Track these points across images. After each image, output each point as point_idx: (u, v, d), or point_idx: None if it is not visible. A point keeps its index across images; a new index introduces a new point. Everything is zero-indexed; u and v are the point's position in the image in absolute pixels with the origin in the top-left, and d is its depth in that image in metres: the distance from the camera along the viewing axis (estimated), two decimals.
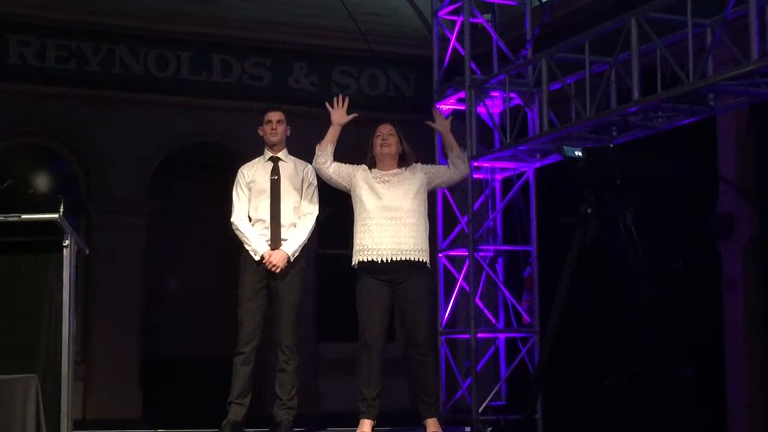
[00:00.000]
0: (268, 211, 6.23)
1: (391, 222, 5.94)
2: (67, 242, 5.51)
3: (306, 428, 6.53)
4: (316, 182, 6.37)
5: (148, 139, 10.66)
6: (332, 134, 6.14)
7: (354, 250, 6.02)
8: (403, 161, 6.12)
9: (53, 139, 10.59)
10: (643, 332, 5.82)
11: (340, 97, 6.26)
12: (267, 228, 6.22)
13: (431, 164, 6.35)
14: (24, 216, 5.49)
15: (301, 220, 6.29)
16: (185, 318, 11.44)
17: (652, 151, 7.97)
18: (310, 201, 6.34)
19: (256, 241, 6.19)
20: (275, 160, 6.35)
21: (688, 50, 6.59)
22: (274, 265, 6.13)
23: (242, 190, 6.30)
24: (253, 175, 6.32)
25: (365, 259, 5.94)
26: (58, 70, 10.33)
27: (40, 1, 10.15)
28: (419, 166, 6.18)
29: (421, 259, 5.97)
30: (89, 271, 10.24)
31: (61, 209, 5.44)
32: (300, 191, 6.31)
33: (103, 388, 10.21)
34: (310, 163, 6.35)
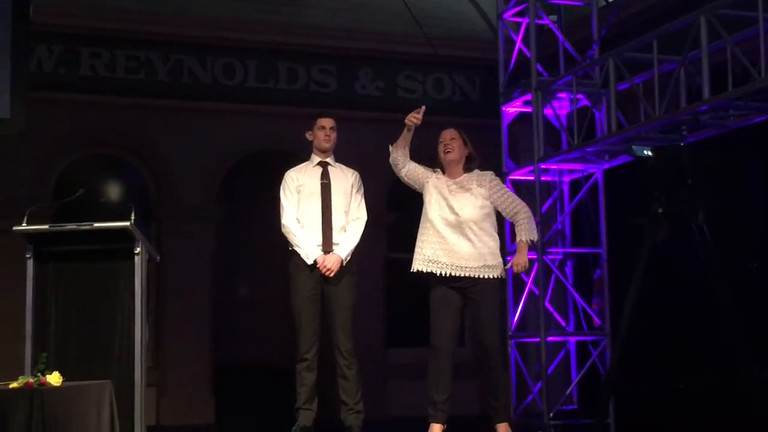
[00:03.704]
0: (320, 214, 6.22)
1: (452, 233, 5.88)
2: (138, 249, 5.57)
3: None
4: (362, 189, 6.39)
5: (216, 147, 10.76)
6: (405, 137, 6.02)
7: (414, 257, 5.99)
8: (469, 165, 6.06)
9: (123, 148, 10.74)
10: (718, 334, 5.72)
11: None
12: (318, 232, 6.21)
13: (504, 188, 6.11)
14: (96, 224, 5.56)
15: (351, 224, 6.29)
16: (256, 324, 11.53)
17: (724, 149, 7.82)
18: (359, 206, 6.35)
19: (308, 245, 6.17)
20: (324, 165, 6.36)
21: (760, 46, 6.47)
22: (328, 269, 6.12)
23: (291, 193, 6.29)
24: (302, 179, 6.31)
25: (423, 270, 5.91)
26: (127, 81, 10.48)
27: (110, 14, 10.30)
28: (489, 178, 6.04)
29: (482, 276, 5.89)
30: (160, 277, 10.36)
31: (132, 217, 5.50)
32: (349, 196, 6.31)
33: (175, 393, 10.31)
34: (358, 171, 6.38)
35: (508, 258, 6.24)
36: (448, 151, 6.01)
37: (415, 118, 5.86)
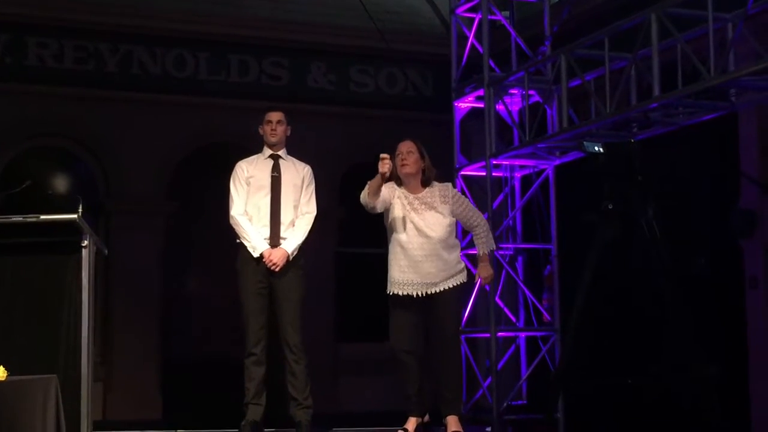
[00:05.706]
0: (268, 208, 6.17)
1: (425, 255, 5.88)
2: (85, 243, 5.49)
3: (326, 428, 6.50)
4: (314, 183, 6.35)
5: (167, 140, 10.66)
6: (380, 183, 5.80)
7: (388, 278, 5.98)
8: (426, 177, 6.00)
9: (71, 140, 10.60)
10: (665, 330, 5.76)
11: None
12: (266, 225, 6.16)
13: (465, 201, 6.09)
14: (43, 216, 5.48)
15: (299, 219, 6.24)
16: (205, 319, 11.44)
17: (673, 146, 7.90)
18: (309, 201, 6.29)
19: (255, 238, 6.13)
20: (275, 158, 6.30)
21: (709, 45, 6.53)
22: (274, 264, 6.08)
23: (241, 185, 6.23)
24: (252, 171, 6.24)
25: (399, 293, 5.93)
26: (76, 72, 10.35)
27: (57, 3, 10.17)
28: (452, 193, 6.02)
29: (448, 287, 5.94)
30: (109, 272, 10.25)
31: (80, 209, 5.42)
32: (300, 190, 6.27)
33: (123, 388, 10.22)
34: (310, 164, 6.34)
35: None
36: (404, 165, 5.94)
37: (387, 165, 5.68)
